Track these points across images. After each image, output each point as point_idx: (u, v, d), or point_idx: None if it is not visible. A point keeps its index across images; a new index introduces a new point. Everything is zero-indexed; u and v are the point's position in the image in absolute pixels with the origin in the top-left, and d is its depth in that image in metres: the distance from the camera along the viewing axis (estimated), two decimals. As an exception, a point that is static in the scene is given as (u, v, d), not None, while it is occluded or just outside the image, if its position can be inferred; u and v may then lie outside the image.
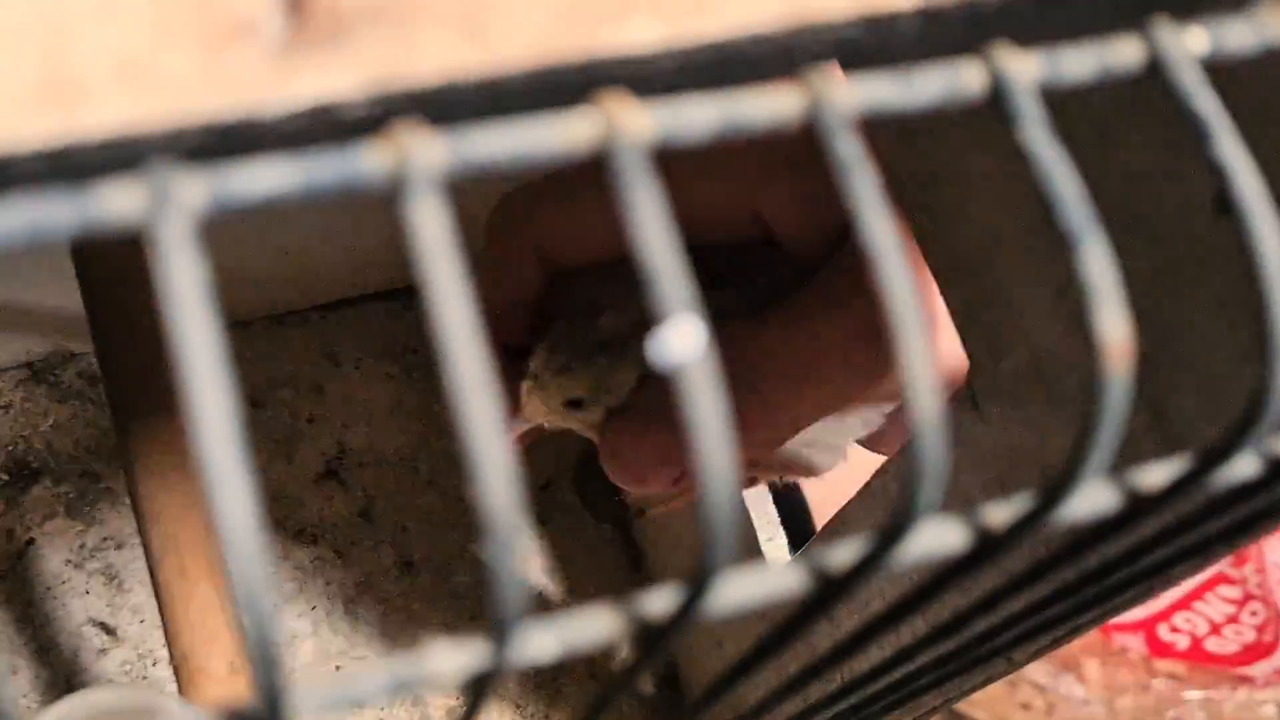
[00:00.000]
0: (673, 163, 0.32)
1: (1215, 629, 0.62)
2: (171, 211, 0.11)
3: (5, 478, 0.53)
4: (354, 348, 0.60)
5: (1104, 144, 0.24)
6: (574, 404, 0.35)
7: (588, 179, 0.34)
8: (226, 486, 0.10)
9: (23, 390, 0.55)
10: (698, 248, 0.29)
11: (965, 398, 0.30)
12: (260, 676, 0.11)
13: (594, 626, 0.14)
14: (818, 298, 0.33)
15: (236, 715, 0.13)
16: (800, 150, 0.32)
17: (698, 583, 0.13)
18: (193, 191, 0.11)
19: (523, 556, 0.12)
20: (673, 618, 0.14)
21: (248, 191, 0.11)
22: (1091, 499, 0.15)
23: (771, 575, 0.14)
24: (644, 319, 0.33)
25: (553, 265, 0.35)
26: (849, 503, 0.40)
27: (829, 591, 0.15)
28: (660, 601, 0.14)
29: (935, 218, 0.28)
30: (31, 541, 0.52)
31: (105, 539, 0.54)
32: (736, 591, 0.14)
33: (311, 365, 0.59)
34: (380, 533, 0.58)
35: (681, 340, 0.11)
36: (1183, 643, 0.61)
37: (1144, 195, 0.24)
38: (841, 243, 0.33)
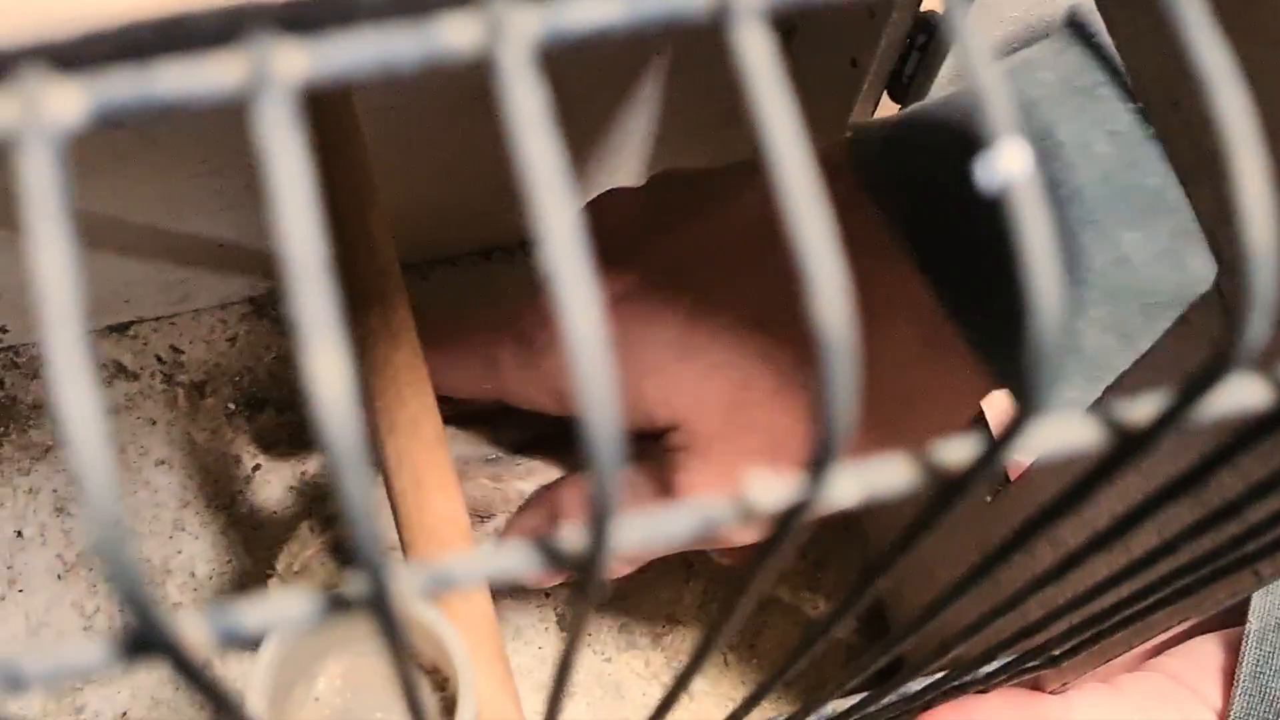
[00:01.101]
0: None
1: None
2: (509, 41, 0.11)
3: (233, 407, 0.55)
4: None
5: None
6: None
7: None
8: (569, 276, 0.11)
9: (247, 324, 0.57)
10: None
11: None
12: (597, 489, 0.12)
13: (895, 474, 0.14)
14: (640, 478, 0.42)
15: (551, 546, 0.13)
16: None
17: (1003, 430, 0.13)
18: (528, 22, 0.11)
19: (852, 395, 0.12)
20: (974, 466, 0.14)
21: (579, 22, 0.11)
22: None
23: (1071, 427, 0.14)
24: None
25: None
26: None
27: (1127, 448, 0.14)
28: (960, 450, 0.14)
29: (1186, 116, 0.27)
30: (259, 467, 0.54)
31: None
32: (1038, 441, 0.14)
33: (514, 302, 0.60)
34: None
35: (1009, 161, 0.11)
36: None
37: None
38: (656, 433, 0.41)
